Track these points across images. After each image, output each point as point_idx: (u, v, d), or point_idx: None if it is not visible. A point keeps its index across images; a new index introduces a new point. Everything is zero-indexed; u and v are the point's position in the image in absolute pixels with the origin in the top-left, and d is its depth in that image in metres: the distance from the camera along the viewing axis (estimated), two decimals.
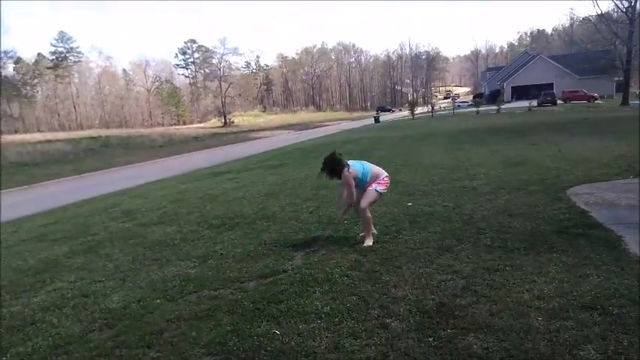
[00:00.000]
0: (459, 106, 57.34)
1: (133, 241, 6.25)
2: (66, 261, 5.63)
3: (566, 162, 8.89)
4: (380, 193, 4.96)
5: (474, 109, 41.90)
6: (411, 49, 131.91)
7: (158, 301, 3.96)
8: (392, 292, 3.57)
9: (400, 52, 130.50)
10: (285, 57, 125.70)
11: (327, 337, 2.99)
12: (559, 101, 45.16)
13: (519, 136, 15.32)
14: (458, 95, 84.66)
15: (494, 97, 52.91)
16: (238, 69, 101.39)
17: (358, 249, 4.71)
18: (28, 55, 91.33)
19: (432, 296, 3.43)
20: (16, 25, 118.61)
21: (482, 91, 78.92)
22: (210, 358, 2.90)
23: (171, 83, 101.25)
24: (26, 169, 23.10)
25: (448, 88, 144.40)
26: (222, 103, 77.95)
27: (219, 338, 3.13)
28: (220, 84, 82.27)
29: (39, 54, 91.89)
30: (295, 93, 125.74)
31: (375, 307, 3.35)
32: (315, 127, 47.88)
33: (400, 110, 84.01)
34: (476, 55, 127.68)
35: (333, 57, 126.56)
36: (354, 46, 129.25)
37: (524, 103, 40.62)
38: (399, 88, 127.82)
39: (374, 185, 4.89)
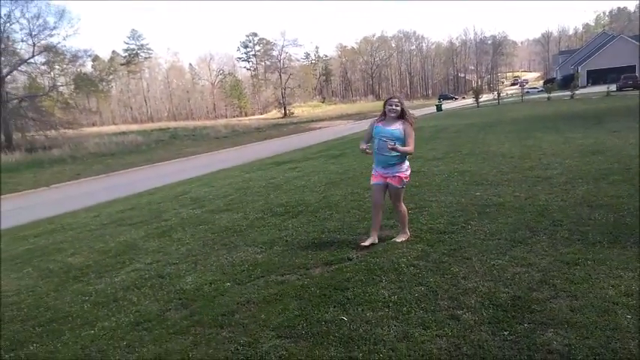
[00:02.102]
0: (527, 92, 54.35)
1: (202, 226, 6.52)
2: (142, 244, 5.99)
3: None
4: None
5: (545, 95, 39.54)
6: (475, 33, 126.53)
7: (228, 284, 4.10)
8: (462, 284, 3.46)
9: (464, 37, 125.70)
10: (345, 47, 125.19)
11: (395, 325, 2.95)
12: None
13: (597, 123, 14.26)
14: (527, 81, 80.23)
15: (568, 82, 49.47)
16: (298, 60, 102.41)
17: (425, 239, 4.61)
18: (105, 53, 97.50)
19: (506, 289, 3.28)
20: (93, 24, 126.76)
21: (554, 76, 74.25)
22: (280, 340, 2.96)
23: (234, 76, 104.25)
24: (103, 159, 24.79)
25: (516, 74, 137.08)
26: (282, 94, 79.26)
27: (287, 322, 3.19)
28: (280, 75, 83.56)
29: (113, 51, 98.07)
30: (354, 83, 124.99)
31: (444, 298, 3.27)
32: (375, 117, 47.36)
33: (464, 98, 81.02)
34: (547, 37, 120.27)
35: (393, 45, 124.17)
36: (414, 33, 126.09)
37: (602, 88, 37.74)
38: (462, 75, 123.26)
39: (402, 178, 4.56)
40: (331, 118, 52.97)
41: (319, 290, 3.66)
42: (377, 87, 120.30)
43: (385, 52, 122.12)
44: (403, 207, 4.68)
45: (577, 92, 35.90)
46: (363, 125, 32.56)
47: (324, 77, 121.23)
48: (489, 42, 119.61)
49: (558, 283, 3.28)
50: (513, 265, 3.71)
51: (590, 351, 2.43)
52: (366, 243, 4.56)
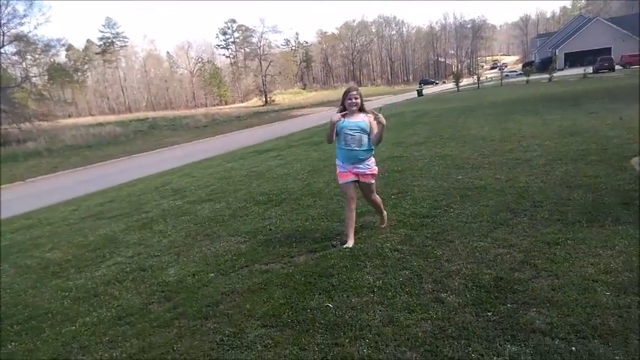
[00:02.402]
0: (507, 75, 54.83)
1: (184, 217, 6.44)
2: (123, 237, 5.88)
3: (628, 130, 8.32)
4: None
5: (524, 78, 40.02)
6: (455, 18, 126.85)
7: (212, 275, 4.06)
8: (445, 267, 3.48)
9: (444, 22, 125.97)
10: (325, 32, 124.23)
11: (380, 310, 2.96)
12: (617, 67, 42.23)
13: (575, 105, 14.47)
14: (506, 65, 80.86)
15: (546, 64, 50.06)
16: (278, 47, 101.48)
17: (408, 224, 4.62)
18: (79, 42, 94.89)
19: (488, 270, 3.31)
20: (66, 12, 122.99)
21: (533, 59, 75.11)
22: (265, 330, 2.94)
23: (213, 64, 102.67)
24: (80, 152, 24.25)
25: (495, 58, 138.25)
26: (262, 82, 78.46)
27: (273, 311, 3.17)
28: (260, 63, 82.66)
29: (88, 40, 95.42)
30: (335, 69, 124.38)
31: (428, 281, 3.28)
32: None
33: (444, 82, 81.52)
34: (525, 21, 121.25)
35: (373, 30, 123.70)
36: (395, 18, 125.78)
37: (579, 70, 38.31)
38: (442, 59, 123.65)
39: (375, 173, 4.42)
40: (312, 105, 52.70)
41: (304, 278, 3.64)
42: (358, 73, 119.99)
43: (366, 37, 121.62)
44: (377, 196, 4.55)
45: (555, 75, 36.37)
46: None
47: (305, 64, 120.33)
48: (469, 26, 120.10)
49: (539, 263, 3.32)
50: (495, 246, 3.75)
51: (572, 328, 2.48)
52: (349, 245, 4.22)
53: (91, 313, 3.61)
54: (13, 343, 3.29)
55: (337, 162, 4.39)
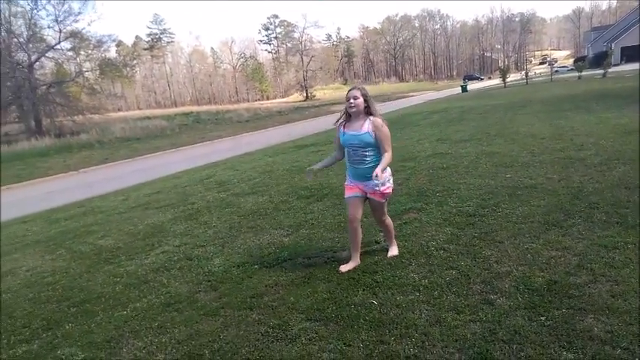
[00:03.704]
0: (557, 71, 52.56)
1: (228, 209, 6.56)
2: (170, 227, 6.06)
3: None
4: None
5: (576, 74, 38.18)
6: (502, 11, 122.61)
7: (256, 266, 4.11)
8: (494, 268, 3.37)
9: (490, 15, 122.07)
10: (367, 27, 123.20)
11: (427, 310, 2.90)
12: None
13: (633, 102, 13.67)
14: (556, 59, 77.58)
15: (600, 60, 47.58)
16: (319, 42, 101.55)
17: (454, 222, 4.51)
18: (128, 38, 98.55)
19: (541, 273, 3.18)
20: (116, 9, 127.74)
21: (585, 54, 71.59)
22: (310, 323, 2.94)
23: (255, 59, 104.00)
24: (129, 144, 25.20)
25: (545, 53, 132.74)
26: (303, 77, 78.79)
27: (316, 305, 3.17)
28: (302, 58, 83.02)
29: (136, 36, 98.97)
30: (377, 64, 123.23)
31: (476, 282, 3.19)
32: (397, 99, 46.72)
33: (490, 78, 79.13)
34: (578, 14, 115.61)
35: (416, 25, 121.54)
36: (439, 11, 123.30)
37: (636, 66, 36.16)
38: (488, 54, 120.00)
39: (385, 192, 3.66)
40: None
41: (347, 273, 3.63)
42: (400, 68, 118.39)
43: (408, 32, 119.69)
44: (388, 219, 3.90)
45: (610, 70, 34.50)
46: (387, 107, 32.23)
47: (346, 59, 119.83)
48: (517, 19, 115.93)
49: (597, 267, 3.16)
50: (548, 248, 3.60)
51: (635, 338, 2.34)
52: (348, 268, 3.71)
53: (141, 299, 3.74)
54: (70, 324, 3.46)
55: (346, 173, 3.83)
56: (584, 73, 36.77)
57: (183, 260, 4.59)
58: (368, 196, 3.70)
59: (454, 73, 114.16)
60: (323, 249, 4.31)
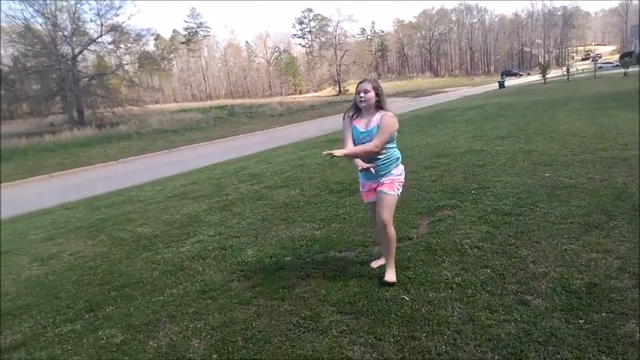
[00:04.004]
0: (600, 67, 50.51)
1: (261, 202, 6.65)
2: (205, 217, 6.21)
3: None
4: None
5: (621, 70, 36.55)
6: (543, 5, 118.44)
7: (288, 258, 4.16)
8: (531, 268, 3.30)
9: (531, 9, 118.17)
10: (402, 21, 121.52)
11: (459, 307, 2.87)
12: None
13: None
14: (600, 55, 74.38)
15: None
16: (353, 36, 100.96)
17: (489, 221, 4.43)
18: (166, 32, 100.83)
19: (580, 275, 3.09)
20: (155, 3, 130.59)
21: (632, 50, 68.25)
22: (341, 316, 2.97)
23: (289, 53, 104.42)
24: (166, 136, 25.85)
25: (588, 48, 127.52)
26: (337, 71, 78.62)
27: (348, 298, 3.20)
28: (335, 52, 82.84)
29: (174, 30, 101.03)
30: (411, 59, 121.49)
31: (511, 282, 3.13)
32: (432, 94, 45.99)
33: (529, 74, 76.75)
34: (626, 7, 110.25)
35: (453, 18, 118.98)
36: (477, 5, 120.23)
37: None
38: (527, 49, 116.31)
39: (397, 184, 3.36)
40: (387, 96, 51.82)
41: (379, 269, 3.62)
42: (435, 63, 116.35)
43: (445, 26, 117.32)
44: (392, 228, 3.36)
45: None
46: (420, 102, 31.76)
47: (380, 53, 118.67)
48: (559, 13, 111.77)
49: None
50: (588, 250, 3.49)
51: None
52: (379, 263, 3.61)
53: (178, 286, 3.86)
54: (110, 307, 3.61)
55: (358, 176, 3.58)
56: (630, 69, 35.13)
57: (217, 250, 4.70)
58: (379, 189, 3.34)
59: (491, 69, 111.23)
60: (354, 243, 4.32)
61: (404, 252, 3.90)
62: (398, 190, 3.35)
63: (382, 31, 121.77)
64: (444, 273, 3.41)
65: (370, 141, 3.20)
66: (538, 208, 4.61)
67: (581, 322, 2.55)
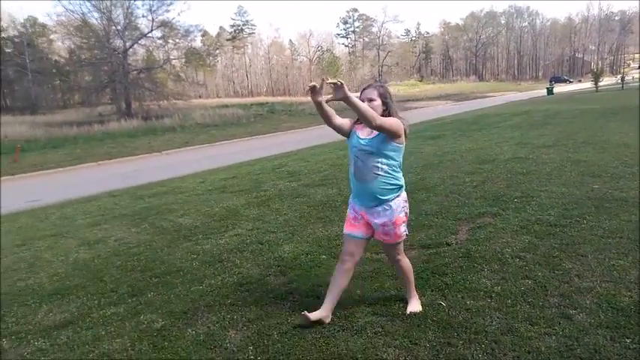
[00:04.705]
0: None
1: (298, 199, 6.72)
2: (243, 211, 6.33)
3: None
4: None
5: None
6: (600, 9, 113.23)
7: (324, 256, 4.19)
8: (575, 282, 3.19)
9: (586, 13, 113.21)
10: (448, 23, 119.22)
11: (498, 317, 2.81)
12: None
13: None
14: None
15: None
16: (397, 37, 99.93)
17: (532, 231, 4.30)
18: (212, 29, 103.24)
19: (628, 293, 2.96)
20: (204, 1, 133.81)
21: None
22: (376, 317, 2.97)
23: (332, 53, 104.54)
24: (207, 130, 26.45)
25: None
26: (378, 72, 78.15)
27: (383, 300, 3.19)
28: (378, 53, 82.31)
29: (220, 27, 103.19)
30: (456, 61, 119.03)
31: (554, 294, 3.04)
32: (476, 98, 44.94)
33: (580, 81, 73.65)
34: None
35: (502, 21, 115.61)
36: (528, 8, 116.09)
37: None
38: (579, 55, 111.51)
39: (401, 225, 2.87)
40: (429, 98, 51.22)
41: (415, 272, 3.56)
42: (480, 66, 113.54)
43: (493, 28, 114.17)
44: (405, 259, 3.05)
45: None
46: (463, 106, 31.03)
47: (424, 55, 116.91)
48: (617, 18, 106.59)
49: None
50: (638, 267, 3.33)
51: None
52: (313, 317, 2.88)
53: (216, 277, 3.96)
54: (152, 293, 3.75)
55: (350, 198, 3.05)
56: None
57: (255, 244, 4.78)
58: (377, 235, 2.91)
59: (539, 74, 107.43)
60: None
61: (442, 258, 3.85)
62: (405, 231, 2.91)
63: (427, 33, 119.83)
64: (482, 281, 3.34)
65: (370, 151, 2.73)
66: (585, 221, 4.44)
67: (628, 341, 2.45)
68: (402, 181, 2.87)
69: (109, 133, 24.99)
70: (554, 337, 2.54)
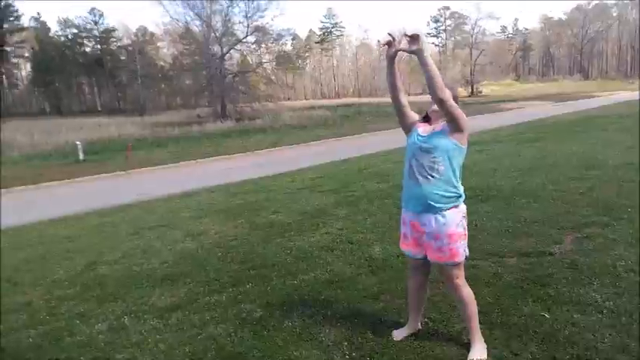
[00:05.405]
0: None
1: (387, 200, 6.69)
2: (333, 210, 6.45)
3: None
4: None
5: None
6: None
7: None
8: None
9: None
10: (550, 18, 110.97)
11: (611, 335, 2.60)
12: None
13: None
14: None
15: None
16: (492, 34, 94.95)
17: None
18: (302, 32, 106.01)
19: None
20: (294, 4, 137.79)
21: None
22: None
23: None
24: (295, 131, 27.23)
25: None
26: (470, 71, 74.97)
27: (480, 308, 3.03)
28: (471, 51, 78.98)
29: (310, 30, 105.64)
30: (558, 59, 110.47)
31: None
32: (580, 99, 41.37)
33: None
34: None
35: (614, 14, 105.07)
36: None
37: None
38: None
39: (460, 243, 2.53)
40: (526, 99, 48.15)
41: (515, 281, 3.44)
42: (586, 64, 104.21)
43: (602, 22, 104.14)
44: (467, 289, 2.62)
45: None
46: (566, 107, 28.77)
47: (522, 52, 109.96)
48: None
49: None
50: None
51: None
52: (403, 334, 2.83)
53: (309, 273, 4.09)
54: (250, 284, 3.98)
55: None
56: None
57: (345, 243, 4.86)
58: (427, 254, 2.58)
59: None
60: (487, 252, 4.13)
61: (544, 268, 3.64)
62: (465, 251, 2.54)
63: (526, 29, 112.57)
64: (592, 295, 3.10)
65: (427, 148, 2.47)
66: None
67: None
68: (462, 191, 2.53)
69: (207, 133, 26.77)
70: None
